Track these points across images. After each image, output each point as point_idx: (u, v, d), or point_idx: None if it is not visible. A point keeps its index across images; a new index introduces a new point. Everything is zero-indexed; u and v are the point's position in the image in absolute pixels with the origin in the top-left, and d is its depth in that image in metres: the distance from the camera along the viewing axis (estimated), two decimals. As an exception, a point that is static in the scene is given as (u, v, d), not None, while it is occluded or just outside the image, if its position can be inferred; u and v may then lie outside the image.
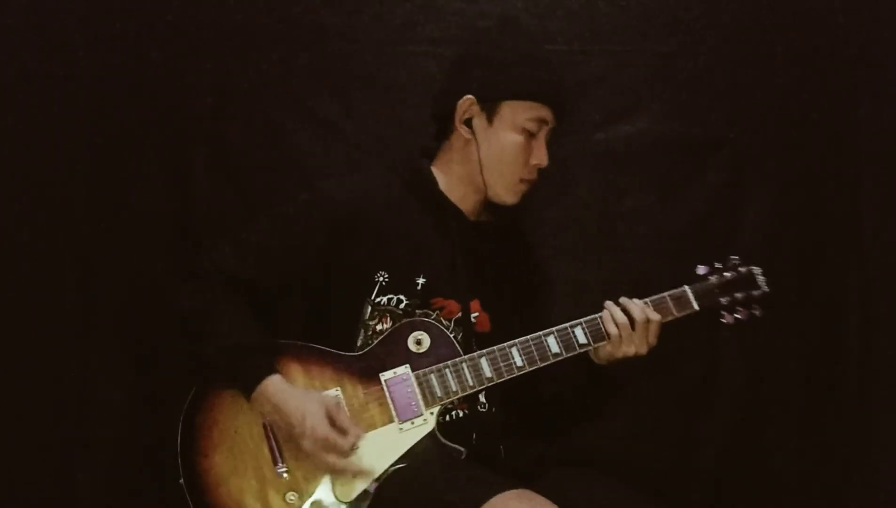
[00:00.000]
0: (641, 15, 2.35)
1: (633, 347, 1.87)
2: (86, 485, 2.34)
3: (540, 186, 2.02)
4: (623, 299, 1.90)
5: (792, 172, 2.38)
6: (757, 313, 1.93)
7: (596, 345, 1.88)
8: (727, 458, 2.40)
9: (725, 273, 1.93)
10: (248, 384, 1.82)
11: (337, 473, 1.81)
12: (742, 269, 1.94)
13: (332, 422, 1.79)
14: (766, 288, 1.94)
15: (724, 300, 1.92)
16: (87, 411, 2.34)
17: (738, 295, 1.92)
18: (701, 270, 1.94)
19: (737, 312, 1.93)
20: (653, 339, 1.89)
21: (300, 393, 1.82)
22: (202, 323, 1.87)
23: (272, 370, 1.82)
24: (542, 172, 1.98)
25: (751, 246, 2.35)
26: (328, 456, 1.78)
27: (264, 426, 1.85)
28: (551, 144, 1.98)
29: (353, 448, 1.80)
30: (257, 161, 2.36)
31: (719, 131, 2.39)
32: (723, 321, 1.93)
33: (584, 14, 2.35)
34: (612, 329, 1.87)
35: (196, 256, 2.00)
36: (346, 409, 1.85)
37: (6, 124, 2.29)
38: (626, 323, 1.87)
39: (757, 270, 1.95)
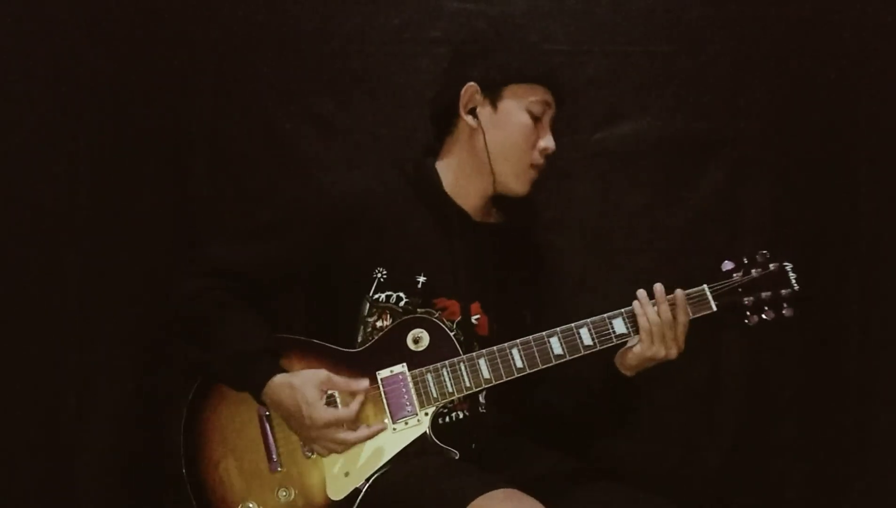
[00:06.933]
0: (641, 15, 2.35)
1: (664, 348, 1.78)
2: (85, 486, 2.33)
3: (540, 186, 2.02)
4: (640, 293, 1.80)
5: (792, 172, 2.38)
6: (787, 313, 1.80)
7: (602, 348, 1.81)
8: (731, 459, 2.40)
9: (753, 270, 1.81)
10: (255, 392, 1.83)
11: (354, 445, 1.79)
12: (772, 266, 1.81)
13: (332, 398, 1.80)
14: (796, 287, 1.80)
15: (747, 300, 1.79)
16: (86, 411, 2.34)
17: (765, 294, 1.79)
18: (727, 265, 1.82)
19: (763, 312, 1.80)
20: (681, 340, 1.79)
21: (293, 384, 1.79)
22: (204, 330, 1.87)
23: (273, 371, 1.82)
24: (545, 166, 1.98)
25: (751, 246, 2.34)
26: (338, 435, 1.77)
27: (260, 424, 1.85)
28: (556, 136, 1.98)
29: (361, 408, 1.79)
30: (257, 161, 2.36)
31: (719, 131, 2.38)
32: (745, 322, 1.80)
33: (584, 14, 2.34)
34: (644, 323, 1.77)
35: (191, 255, 1.99)
36: (336, 378, 1.81)
37: (6, 124, 2.28)
38: (658, 321, 1.77)
39: (788, 266, 1.82)
